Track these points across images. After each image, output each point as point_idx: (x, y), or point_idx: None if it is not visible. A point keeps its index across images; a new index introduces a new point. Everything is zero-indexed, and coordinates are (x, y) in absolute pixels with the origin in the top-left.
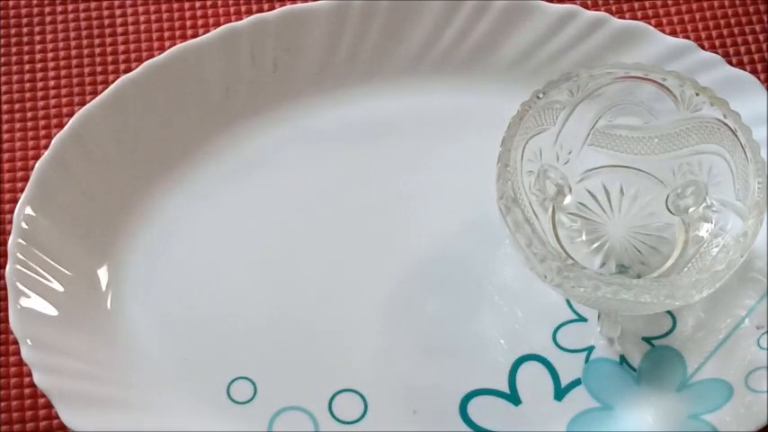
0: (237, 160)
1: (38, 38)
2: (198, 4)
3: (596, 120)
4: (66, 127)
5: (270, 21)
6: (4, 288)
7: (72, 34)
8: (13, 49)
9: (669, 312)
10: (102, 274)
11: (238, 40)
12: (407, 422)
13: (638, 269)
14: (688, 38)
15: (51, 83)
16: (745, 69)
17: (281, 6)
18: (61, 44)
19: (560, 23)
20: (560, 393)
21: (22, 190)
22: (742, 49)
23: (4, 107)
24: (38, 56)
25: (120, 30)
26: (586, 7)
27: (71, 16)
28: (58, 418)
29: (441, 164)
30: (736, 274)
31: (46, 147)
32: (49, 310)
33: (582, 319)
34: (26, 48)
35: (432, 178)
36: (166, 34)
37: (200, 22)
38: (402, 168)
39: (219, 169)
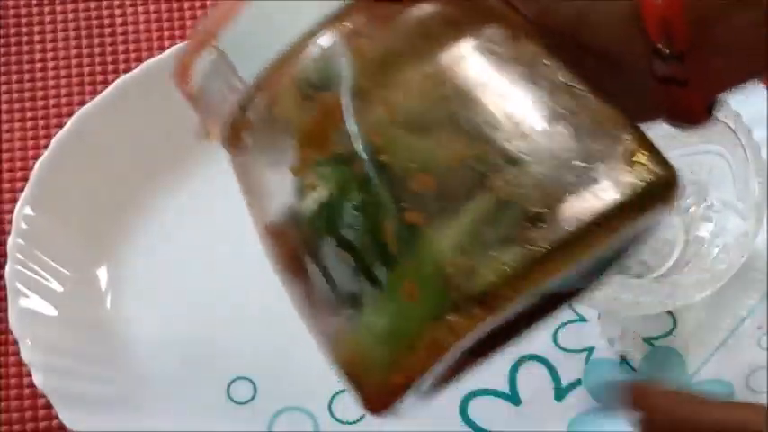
0: None
1: (38, 38)
2: (198, 4)
3: None
4: (66, 127)
5: None
6: (4, 288)
7: (72, 34)
8: (13, 49)
9: (669, 312)
10: (102, 274)
11: None
12: (407, 422)
13: (638, 269)
14: None
15: (51, 83)
16: None
17: None
18: (61, 44)
19: None
20: (560, 394)
21: (21, 190)
22: None
23: (4, 107)
24: (38, 56)
25: (120, 30)
26: None
27: (71, 16)
28: (57, 418)
29: None
30: (736, 274)
31: (46, 147)
32: (49, 310)
33: (582, 319)
34: (26, 48)
35: None
36: (166, 34)
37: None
38: None
39: (219, 169)
